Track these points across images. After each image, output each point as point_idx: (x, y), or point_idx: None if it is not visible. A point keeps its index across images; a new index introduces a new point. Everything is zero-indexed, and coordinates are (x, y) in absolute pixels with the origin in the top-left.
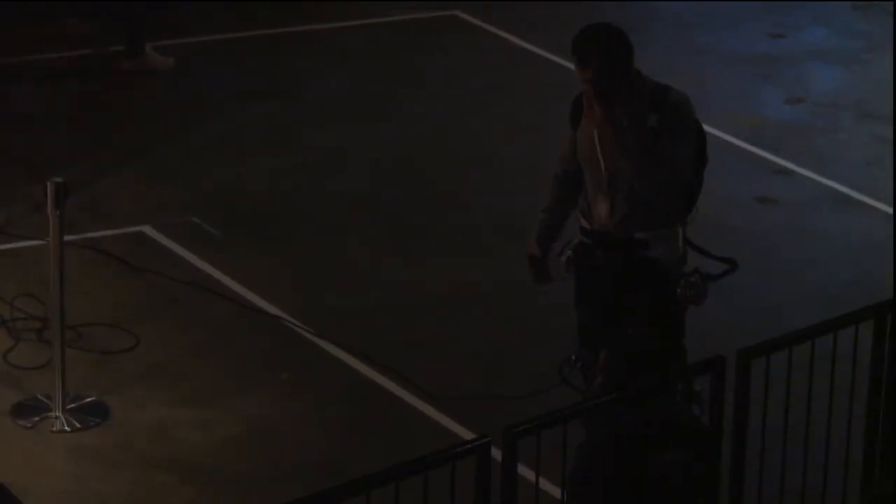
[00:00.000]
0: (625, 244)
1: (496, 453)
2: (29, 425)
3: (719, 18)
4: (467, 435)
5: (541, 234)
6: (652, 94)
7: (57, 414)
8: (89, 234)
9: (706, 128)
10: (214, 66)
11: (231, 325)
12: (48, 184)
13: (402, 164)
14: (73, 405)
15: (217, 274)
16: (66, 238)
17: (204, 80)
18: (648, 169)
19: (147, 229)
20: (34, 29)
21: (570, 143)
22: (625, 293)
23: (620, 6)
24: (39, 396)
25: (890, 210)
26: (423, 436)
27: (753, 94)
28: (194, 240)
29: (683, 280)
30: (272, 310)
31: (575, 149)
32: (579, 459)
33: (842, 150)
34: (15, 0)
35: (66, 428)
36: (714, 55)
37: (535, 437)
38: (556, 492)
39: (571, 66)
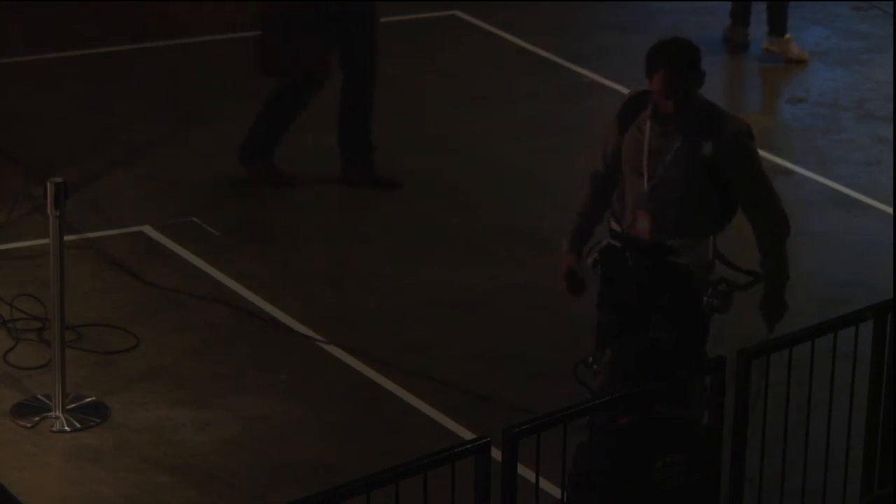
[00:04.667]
0: (655, 250)
1: (496, 453)
2: (29, 425)
3: (720, 19)
4: (467, 435)
5: (575, 239)
6: (704, 118)
7: (57, 414)
8: (89, 234)
9: None
10: (214, 66)
11: (231, 326)
12: (48, 184)
13: (403, 165)
14: (73, 405)
15: (217, 274)
16: (66, 238)
17: (204, 80)
18: (695, 192)
19: (147, 229)
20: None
21: (614, 143)
22: (651, 298)
23: (621, 6)
24: (39, 396)
25: (890, 210)
26: (423, 436)
27: (753, 94)
28: (194, 240)
29: (711, 288)
30: (272, 310)
31: (618, 151)
32: (579, 460)
33: (842, 150)
34: None
35: (66, 428)
36: (714, 55)
37: (535, 437)
38: (556, 492)
39: (571, 66)
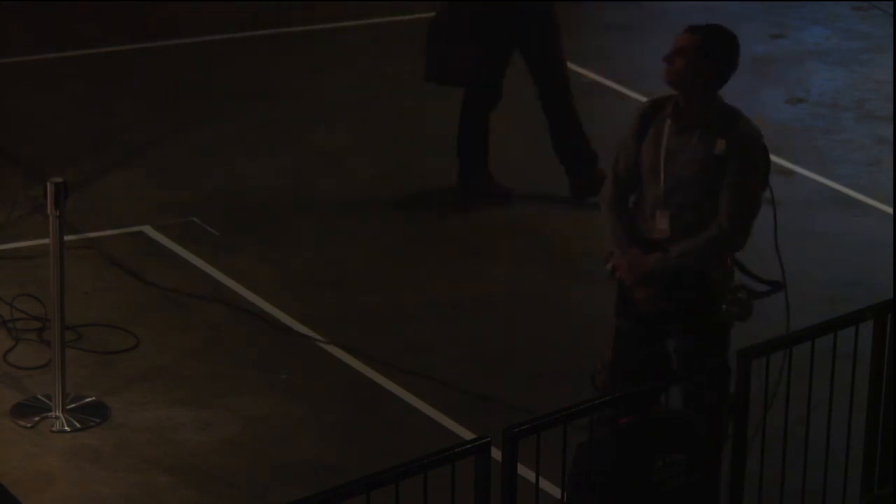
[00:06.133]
0: None
1: (496, 453)
2: (29, 425)
3: (719, 19)
4: (467, 435)
5: (623, 235)
6: (721, 116)
7: (57, 414)
8: (89, 234)
9: None
10: (214, 66)
11: (230, 326)
12: (48, 184)
13: (404, 165)
14: (73, 405)
15: (217, 274)
16: (66, 238)
17: (204, 80)
18: (709, 193)
19: (147, 229)
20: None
21: (633, 154)
22: (669, 303)
23: (620, 6)
24: (39, 396)
25: (890, 210)
26: (423, 436)
27: (753, 94)
28: (194, 240)
29: (731, 295)
30: (271, 310)
31: (635, 163)
32: (579, 460)
33: (842, 150)
34: None
35: (66, 428)
36: None
37: (535, 437)
38: (556, 492)
39: (571, 66)
